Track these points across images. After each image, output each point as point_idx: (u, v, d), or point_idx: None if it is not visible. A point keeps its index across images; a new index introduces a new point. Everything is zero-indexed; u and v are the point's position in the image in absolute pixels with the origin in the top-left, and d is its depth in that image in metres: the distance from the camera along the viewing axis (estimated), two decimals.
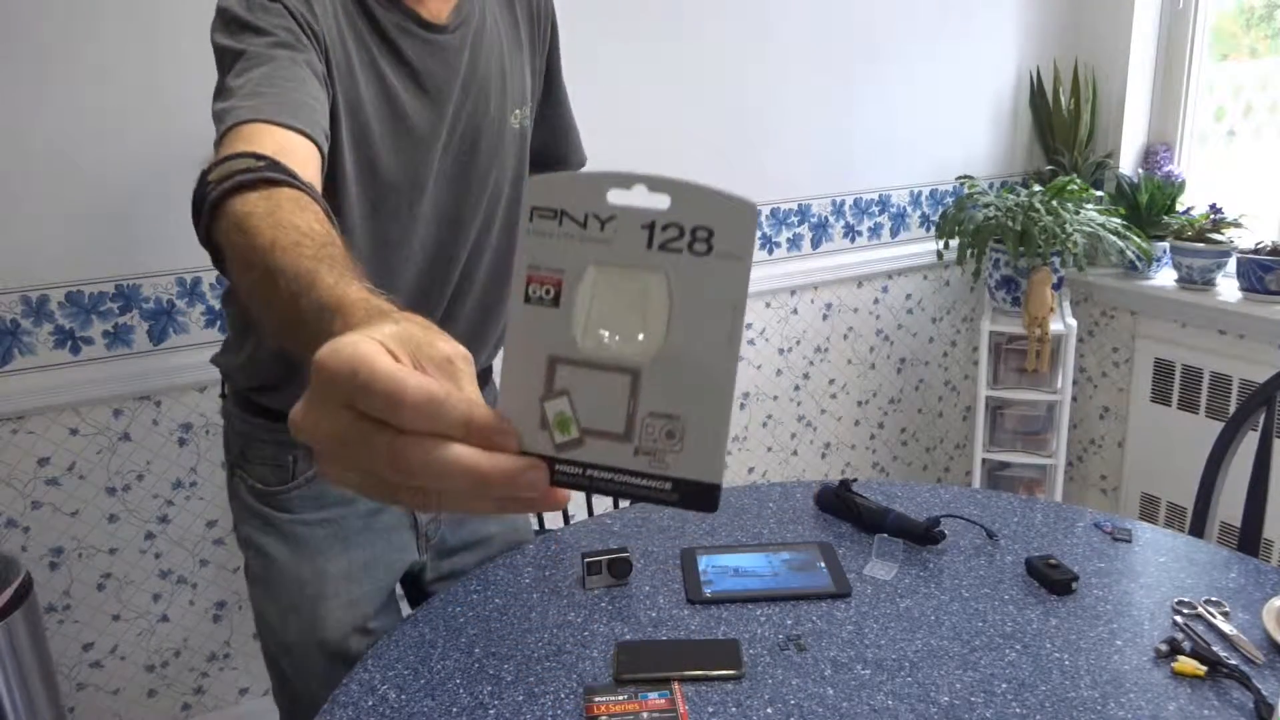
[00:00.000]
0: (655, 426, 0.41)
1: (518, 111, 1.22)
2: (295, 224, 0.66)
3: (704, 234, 0.41)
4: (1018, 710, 0.97)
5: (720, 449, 0.42)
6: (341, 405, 0.39)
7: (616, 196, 0.42)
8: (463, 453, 0.39)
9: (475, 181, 1.18)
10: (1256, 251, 2.35)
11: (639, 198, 0.41)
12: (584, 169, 0.41)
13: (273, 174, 0.73)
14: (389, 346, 0.41)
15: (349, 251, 0.64)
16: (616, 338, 0.42)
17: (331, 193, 1.04)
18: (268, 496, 1.21)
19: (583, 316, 0.42)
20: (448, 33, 1.11)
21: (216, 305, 1.92)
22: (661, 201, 0.41)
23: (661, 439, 0.41)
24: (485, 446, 0.39)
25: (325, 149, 0.91)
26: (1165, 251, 2.57)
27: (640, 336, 0.42)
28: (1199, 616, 1.11)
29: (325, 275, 0.57)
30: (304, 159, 0.85)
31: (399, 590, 1.34)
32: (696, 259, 0.41)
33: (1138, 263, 2.54)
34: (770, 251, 2.50)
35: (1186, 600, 1.14)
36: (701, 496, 0.42)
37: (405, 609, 1.37)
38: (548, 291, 0.42)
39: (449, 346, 0.43)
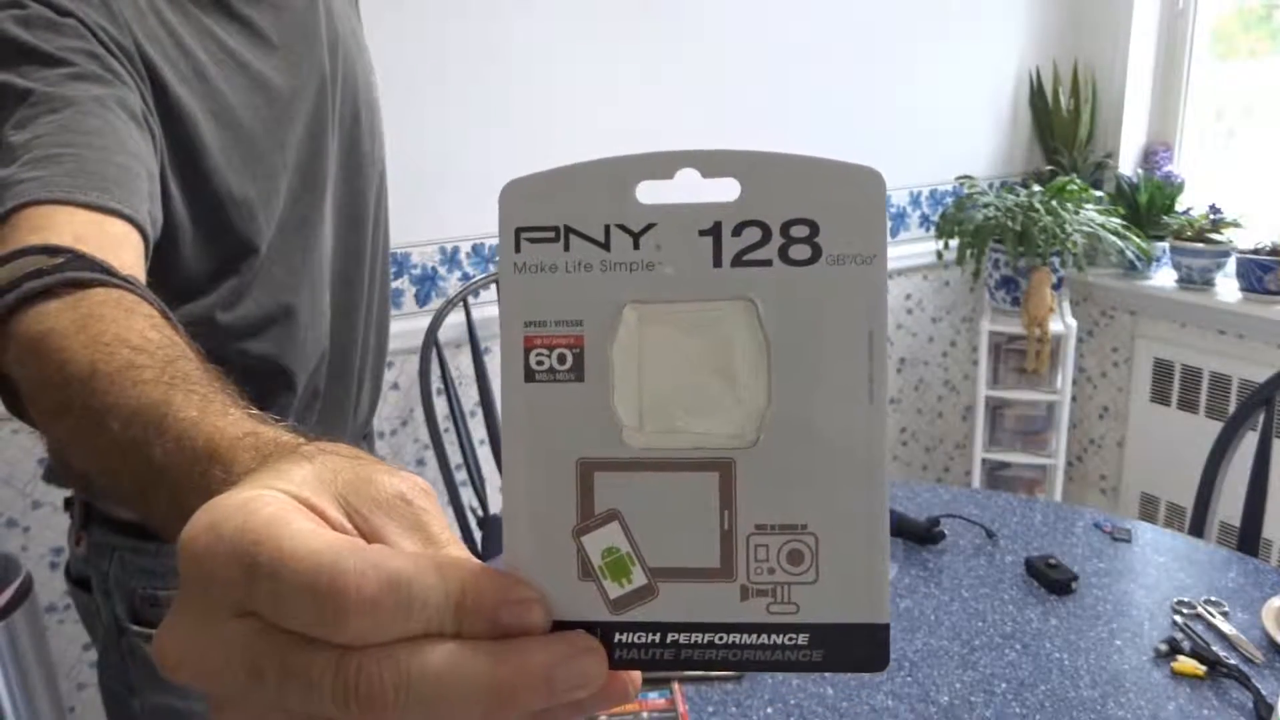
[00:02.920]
0: (769, 548, 0.27)
1: (372, 78, 1.05)
2: (123, 337, 0.47)
3: (804, 230, 0.28)
4: (1018, 710, 0.97)
5: (880, 566, 0.28)
6: (234, 615, 0.25)
7: (650, 194, 0.28)
8: (461, 658, 0.24)
9: (365, 162, 1.02)
10: (1256, 252, 2.35)
11: (686, 190, 0.26)
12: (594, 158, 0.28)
13: (77, 272, 0.53)
14: (306, 500, 0.27)
15: (207, 362, 0.46)
16: (688, 415, 0.28)
17: (210, 198, 0.85)
18: None
19: (629, 389, 0.28)
20: None
21: None
22: (726, 191, 0.28)
23: (781, 566, 0.27)
24: (494, 632, 0.25)
25: (151, 230, 0.67)
26: (1165, 252, 2.57)
27: (726, 407, 0.28)
28: (1198, 616, 1.11)
29: (182, 406, 0.40)
30: (116, 244, 0.62)
31: None
32: (798, 270, 0.27)
33: (1137, 263, 2.54)
34: None
35: (1186, 600, 1.14)
36: (859, 646, 0.28)
37: None
38: (561, 358, 0.28)
39: (397, 480, 0.28)
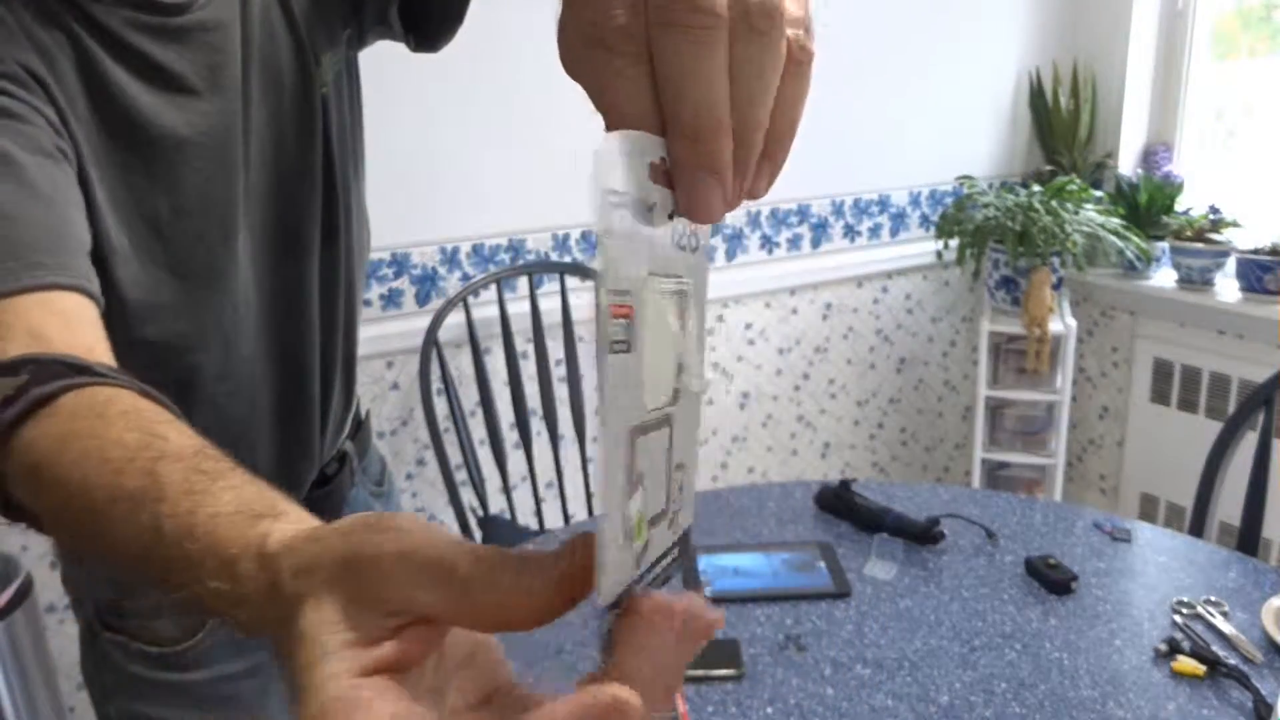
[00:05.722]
0: (676, 483, 0.32)
1: (324, 59, 0.89)
2: (105, 455, 0.46)
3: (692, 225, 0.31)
4: (1017, 710, 0.97)
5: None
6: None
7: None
8: None
9: (301, 184, 0.90)
10: (1256, 252, 2.35)
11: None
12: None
13: (41, 387, 0.51)
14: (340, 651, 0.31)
15: (189, 437, 0.46)
16: (669, 376, 0.31)
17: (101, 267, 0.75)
18: (169, 658, 0.92)
19: (649, 356, 0.29)
20: (193, 10, 0.80)
21: None
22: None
23: (678, 497, 0.32)
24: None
25: (100, 291, 0.64)
26: (1164, 252, 2.57)
27: (681, 367, 0.31)
28: (1198, 616, 1.11)
29: (171, 532, 0.40)
30: (70, 323, 0.59)
31: None
32: (695, 258, 0.32)
33: (1137, 263, 2.54)
34: (770, 251, 2.50)
35: (1186, 600, 1.14)
36: (686, 545, 0.34)
37: None
38: (623, 326, 0.28)
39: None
